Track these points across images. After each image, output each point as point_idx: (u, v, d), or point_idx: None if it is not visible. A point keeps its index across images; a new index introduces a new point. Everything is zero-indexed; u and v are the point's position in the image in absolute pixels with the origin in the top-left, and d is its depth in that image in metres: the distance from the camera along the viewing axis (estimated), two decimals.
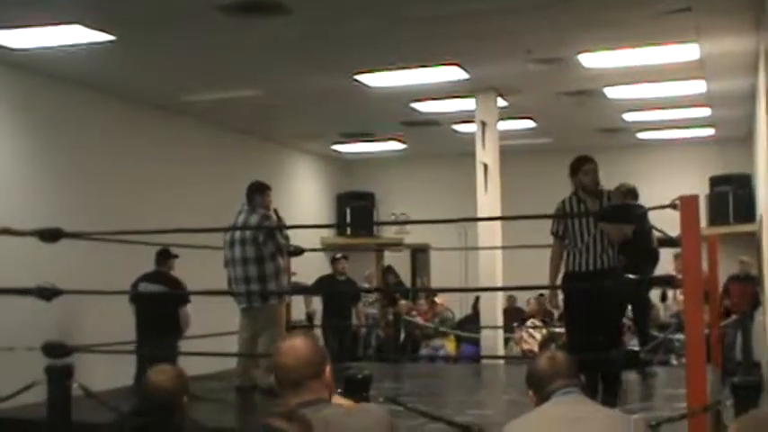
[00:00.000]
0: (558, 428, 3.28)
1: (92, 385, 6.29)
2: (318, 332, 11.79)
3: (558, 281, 7.26)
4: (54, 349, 6.63)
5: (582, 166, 7.13)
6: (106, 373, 8.28)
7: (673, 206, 5.32)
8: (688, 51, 9.63)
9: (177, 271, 9.76)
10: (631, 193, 8.84)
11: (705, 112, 13.01)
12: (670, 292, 12.66)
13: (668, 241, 7.04)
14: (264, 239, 8.14)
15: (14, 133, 9.68)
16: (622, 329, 7.21)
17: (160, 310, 9.47)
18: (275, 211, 8.56)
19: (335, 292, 11.86)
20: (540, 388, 3.54)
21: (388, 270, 16.85)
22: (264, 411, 2.64)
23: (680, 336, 10.80)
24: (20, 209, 9.17)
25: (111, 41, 8.66)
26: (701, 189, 13.57)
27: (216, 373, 9.27)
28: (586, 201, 7.05)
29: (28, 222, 7.52)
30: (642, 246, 8.36)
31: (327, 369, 3.16)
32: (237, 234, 8.22)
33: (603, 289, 6.71)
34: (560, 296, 7.80)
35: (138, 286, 9.40)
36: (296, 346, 3.14)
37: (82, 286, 7.79)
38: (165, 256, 9.72)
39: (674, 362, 11.56)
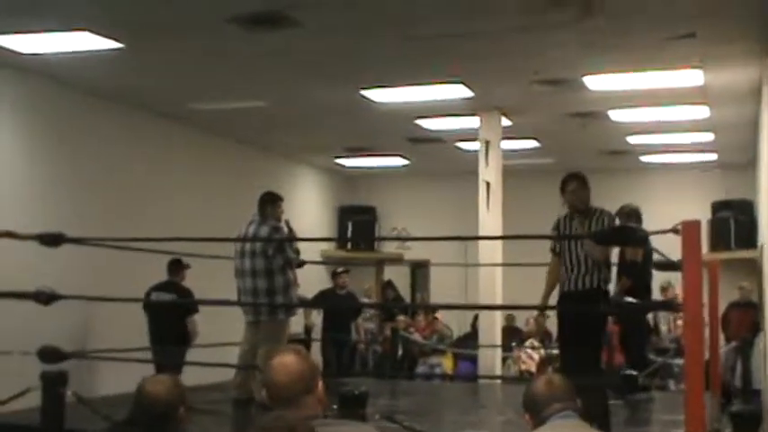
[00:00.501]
0: None
1: (105, 389, 6.28)
2: (316, 346, 11.78)
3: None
4: (49, 355, 6.61)
5: (566, 186, 7.02)
6: (120, 378, 8.30)
7: (674, 231, 5.32)
8: (692, 77, 9.66)
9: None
10: (634, 214, 8.81)
11: (708, 137, 13.03)
12: (663, 326, 12.65)
13: (669, 265, 7.01)
14: (274, 252, 8.06)
15: (20, 137, 9.70)
16: (599, 352, 6.99)
17: (169, 320, 9.55)
18: (287, 222, 8.48)
19: (336, 306, 11.84)
20: (536, 411, 3.53)
21: (388, 285, 16.83)
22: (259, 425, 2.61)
23: (679, 361, 10.78)
24: (23, 213, 9.17)
25: (119, 49, 8.69)
26: (703, 214, 13.56)
27: (217, 384, 9.25)
28: (574, 219, 6.99)
29: (31, 227, 7.51)
30: (647, 269, 8.36)
31: (319, 384, 3.17)
32: (247, 245, 8.14)
33: (583, 311, 6.67)
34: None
35: (150, 296, 9.46)
36: (287, 362, 3.15)
37: (89, 292, 7.85)
38: (176, 265, 9.79)
39: (673, 387, 11.52)
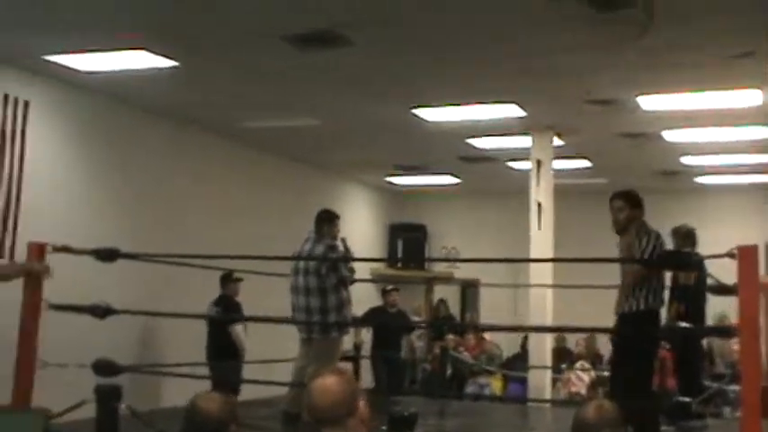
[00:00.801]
0: None
1: (160, 402, 6.30)
2: (366, 363, 11.77)
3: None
4: (104, 368, 6.70)
5: (610, 206, 6.96)
6: (175, 392, 8.43)
7: (730, 255, 5.24)
8: (751, 97, 9.52)
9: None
10: (690, 236, 8.69)
11: (766, 158, 12.82)
12: (717, 357, 12.48)
13: (724, 289, 6.89)
14: (327, 271, 8.07)
15: (77, 153, 9.87)
16: (648, 377, 6.81)
17: (215, 333, 9.72)
18: (343, 240, 8.49)
19: (387, 324, 11.83)
20: None
21: (441, 303, 16.80)
22: None
23: (735, 387, 10.60)
24: (78, 228, 9.29)
25: (174, 67, 8.79)
26: (761, 236, 13.34)
27: (268, 399, 9.30)
28: (619, 241, 6.89)
29: (85, 242, 7.62)
30: (701, 294, 8.24)
31: (361, 405, 3.17)
32: (302, 263, 8.16)
33: (624, 336, 6.57)
34: None
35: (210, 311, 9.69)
36: (327, 385, 3.16)
37: (142, 307, 7.99)
38: (227, 279, 9.91)
39: (729, 414, 11.33)
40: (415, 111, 10.56)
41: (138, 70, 8.91)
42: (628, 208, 6.83)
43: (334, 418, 3.11)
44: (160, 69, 8.86)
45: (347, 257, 8.46)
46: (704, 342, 10.96)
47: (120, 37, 8.00)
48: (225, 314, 9.84)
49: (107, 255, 7.36)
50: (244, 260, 9.10)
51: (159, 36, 8.04)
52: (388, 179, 15.88)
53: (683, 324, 7.05)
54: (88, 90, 9.71)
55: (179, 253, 8.46)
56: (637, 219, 6.80)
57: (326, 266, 8.07)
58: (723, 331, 6.45)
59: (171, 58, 8.58)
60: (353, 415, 3.14)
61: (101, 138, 10.11)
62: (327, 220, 8.40)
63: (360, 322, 11.64)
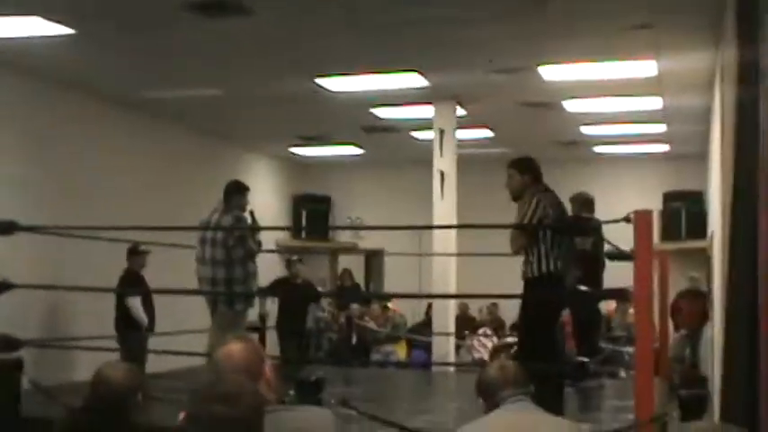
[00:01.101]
0: None
1: (66, 377, 6.19)
2: (272, 334, 11.75)
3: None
4: (3, 343, 6.57)
5: None
6: (81, 366, 8.32)
7: (627, 220, 5.39)
8: (646, 68, 9.75)
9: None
10: (587, 203, 8.86)
11: (661, 128, 13.18)
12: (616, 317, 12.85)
13: (620, 255, 7.08)
14: (234, 243, 8.01)
15: None
16: (549, 339, 6.92)
17: (118, 307, 9.62)
18: (251, 212, 8.40)
19: (293, 295, 11.82)
20: (489, 396, 3.57)
21: (346, 273, 16.84)
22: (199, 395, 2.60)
23: (630, 349, 10.91)
24: None
25: (70, 35, 8.59)
26: (655, 204, 13.72)
27: (176, 371, 9.23)
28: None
29: None
30: (598, 258, 8.43)
31: (267, 369, 3.18)
32: (209, 234, 8.06)
33: (524, 301, 6.66)
34: None
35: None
36: (232, 352, 3.15)
37: (48, 282, 7.86)
38: (132, 253, 9.78)
39: (624, 375, 11.66)
40: (318, 80, 10.53)
41: (32, 38, 8.67)
42: (518, 174, 6.72)
43: (251, 368, 3.09)
44: (56, 37, 8.64)
45: (254, 228, 8.39)
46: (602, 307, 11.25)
47: (13, 2, 7.78)
48: (124, 288, 9.72)
49: (5, 228, 7.18)
50: (148, 232, 9.01)
51: (55, 2, 7.84)
52: (292, 150, 15.82)
53: (582, 288, 7.21)
54: None
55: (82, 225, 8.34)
56: (530, 186, 6.70)
57: (233, 238, 7.99)
58: (620, 295, 6.62)
59: (67, 26, 8.38)
60: (259, 380, 3.15)
61: None
62: (236, 192, 8.30)
63: (265, 293, 11.61)
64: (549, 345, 6.73)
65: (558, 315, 6.76)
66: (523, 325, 6.70)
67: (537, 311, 6.61)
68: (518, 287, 7.00)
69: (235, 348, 3.16)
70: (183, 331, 9.19)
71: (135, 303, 9.66)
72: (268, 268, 12.90)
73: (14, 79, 9.99)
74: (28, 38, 8.69)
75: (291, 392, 4.61)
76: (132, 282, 9.80)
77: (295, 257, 12.19)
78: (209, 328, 8.34)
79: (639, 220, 5.13)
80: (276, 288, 12.00)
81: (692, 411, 4.85)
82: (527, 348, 6.52)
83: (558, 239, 6.60)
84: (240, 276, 8.05)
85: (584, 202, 8.76)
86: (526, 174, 6.69)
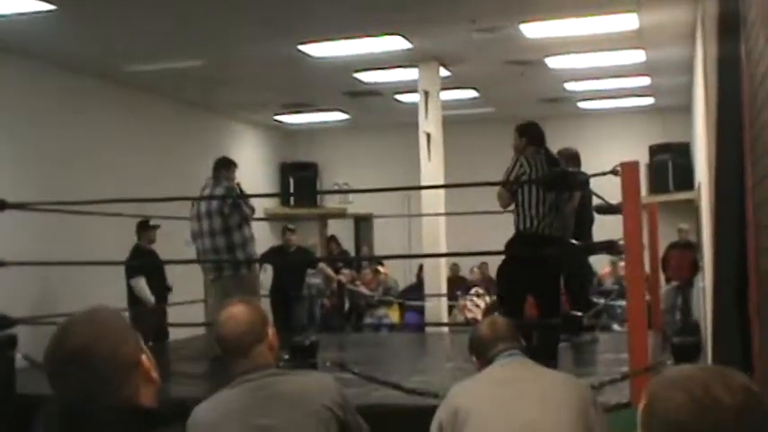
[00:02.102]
0: (502, 389, 3.35)
1: None
2: (266, 302, 11.79)
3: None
4: None
5: None
6: None
7: (614, 172, 5.42)
8: (627, 21, 9.75)
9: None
10: (574, 158, 8.89)
11: (644, 81, 13.19)
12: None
13: (609, 209, 7.11)
14: (230, 210, 8.24)
15: None
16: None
17: (127, 284, 9.70)
18: (238, 185, 8.66)
19: (291, 261, 11.88)
20: (482, 353, 3.61)
21: (332, 240, 16.87)
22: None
23: (622, 302, 10.99)
24: None
25: (51, 11, 8.53)
26: (642, 158, 13.75)
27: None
28: None
29: None
30: (586, 213, 8.46)
31: (270, 332, 3.20)
32: (203, 207, 8.29)
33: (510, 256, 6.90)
34: None
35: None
36: (235, 314, 3.17)
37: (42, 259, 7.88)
38: (141, 227, 9.80)
39: (617, 328, 11.76)
40: (300, 47, 10.49)
41: (11, 15, 8.61)
42: (518, 137, 7.07)
43: (244, 346, 3.12)
44: (37, 13, 8.58)
45: (243, 195, 8.61)
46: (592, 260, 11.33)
47: None
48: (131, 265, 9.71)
49: None
50: (138, 205, 9.04)
51: None
52: (277, 118, 15.78)
53: (572, 241, 7.25)
54: None
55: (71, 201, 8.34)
56: (526, 147, 6.96)
57: (228, 206, 8.22)
58: (610, 248, 6.67)
59: (47, 1, 8.31)
60: (263, 341, 3.17)
61: None
62: (224, 166, 8.57)
63: (269, 261, 11.74)
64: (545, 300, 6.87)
65: (540, 270, 6.81)
66: (498, 277, 7.03)
67: (509, 267, 6.91)
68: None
69: (237, 310, 3.18)
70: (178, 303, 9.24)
71: (138, 283, 9.63)
72: (258, 238, 12.96)
73: None
74: (7, 15, 8.63)
75: (286, 357, 4.64)
76: (140, 258, 9.75)
77: (290, 226, 12.23)
78: (209, 299, 8.50)
79: (626, 171, 5.16)
80: (271, 256, 12.06)
81: (686, 358, 4.89)
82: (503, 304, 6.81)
83: (543, 196, 6.69)
84: (239, 242, 8.29)
85: (570, 158, 8.78)
86: (523, 137, 7.05)
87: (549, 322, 6.55)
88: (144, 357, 1.95)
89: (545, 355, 6.09)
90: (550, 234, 6.75)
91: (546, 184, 6.71)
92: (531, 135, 7.06)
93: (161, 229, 10.11)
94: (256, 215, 9.87)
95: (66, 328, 1.95)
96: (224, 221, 8.23)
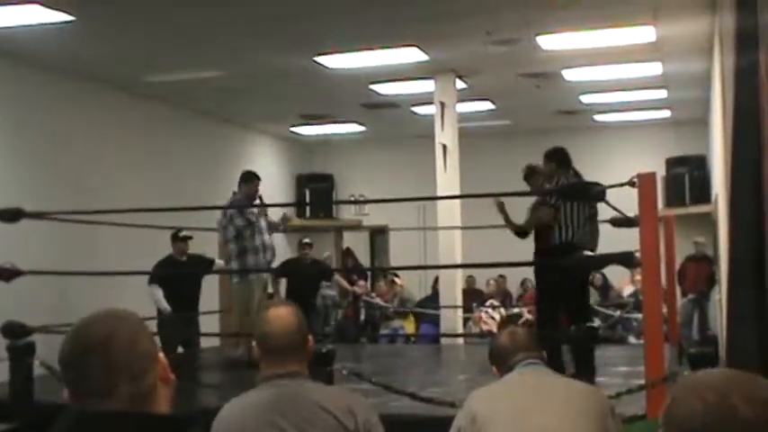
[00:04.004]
0: (520, 397, 3.35)
1: None
2: None
3: None
4: (13, 330, 6.62)
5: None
6: None
7: (631, 184, 5.42)
8: (644, 33, 9.74)
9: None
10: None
11: (661, 94, 13.16)
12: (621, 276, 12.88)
13: (625, 221, 7.11)
14: (226, 223, 8.61)
15: None
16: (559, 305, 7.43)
17: None
18: (260, 198, 8.88)
19: (302, 273, 11.87)
20: (502, 362, 3.62)
21: (347, 253, 16.88)
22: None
23: (638, 315, 10.95)
24: None
25: (70, 22, 8.59)
26: (658, 171, 13.68)
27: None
28: None
29: None
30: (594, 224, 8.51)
31: (310, 339, 3.17)
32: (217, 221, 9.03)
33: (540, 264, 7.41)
34: None
35: None
36: (282, 314, 3.12)
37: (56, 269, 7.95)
38: (173, 239, 9.79)
39: (633, 340, 11.72)
40: (317, 58, 10.53)
41: (31, 26, 8.68)
42: (547, 162, 7.57)
43: (288, 345, 3.08)
44: (55, 24, 8.64)
45: (259, 205, 8.80)
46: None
47: None
48: (153, 274, 9.68)
49: (11, 215, 7.23)
50: (154, 215, 9.08)
51: None
52: (294, 129, 15.82)
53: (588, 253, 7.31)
54: None
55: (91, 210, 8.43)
56: (557, 170, 7.46)
57: (225, 219, 8.64)
58: (625, 259, 6.65)
59: (66, 12, 8.38)
60: (304, 348, 3.14)
61: None
62: (243, 179, 8.90)
63: (276, 273, 11.75)
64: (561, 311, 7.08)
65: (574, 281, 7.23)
66: (543, 291, 7.41)
67: (553, 278, 7.20)
68: (522, 259, 7.50)
69: (284, 311, 3.14)
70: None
71: (154, 292, 9.61)
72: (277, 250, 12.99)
73: (13, 69, 9.96)
74: (26, 26, 8.69)
75: None
76: (161, 269, 9.71)
77: (306, 240, 12.25)
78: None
79: (643, 182, 5.16)
80: (286, 268, 12.07)
81: (703, 367, 4.88)
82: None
83: (582, 210, 7.21)
84: (233, 251, 8.66)
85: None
86: (552, 161, 7.54)
87: (570, 333, 6.58)
88: (160, 354, 1.95)
89: (584, 373, 6.19)
90: (582, 245, 7.18)
91: (568, 194, 7.01)
92: (559, 159, 7.50)
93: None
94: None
95: (84, 321, 1.95)
96: (224, 234, 8.74)
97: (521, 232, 7.88)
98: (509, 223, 7.85)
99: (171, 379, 1.94)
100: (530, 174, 7.92)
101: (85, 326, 1.93)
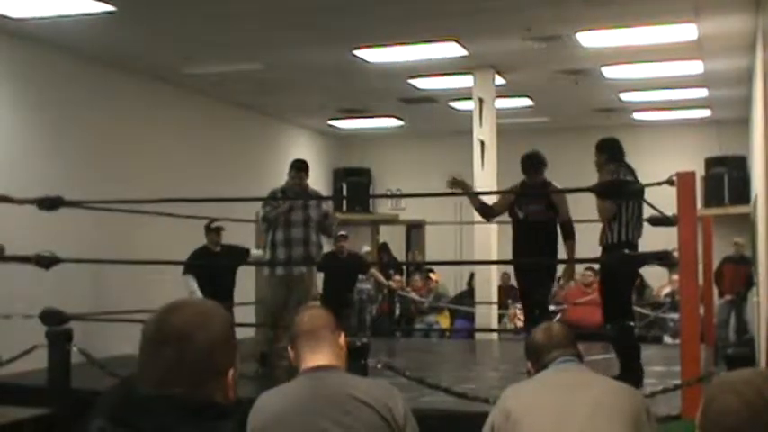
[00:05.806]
0: (555, 394, 3.34)
1: (114, 350, 6.39)
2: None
3: None
4: (51, 317, 6.70)
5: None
6: (128, 340, 8.47)
7: (670, 182, 5.38)
8: (686, 31, 9.65)
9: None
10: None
11: (702, 92, 13.03)
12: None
13: (663, 220, 7.06)
14: (262, 216, 8.56)
15: (12, 103, 9.66)
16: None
17: None
18: (299, 190, 8.69)
19: (339, 268, 11.85)
20: (537, 359, 3.60)
21: (383, 248, 16.89)
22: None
23: (674, 315, 10.88)
24: (20, 178, 9.15)
25: (111, 12, 8.66)
26: (697, 171, 13.54)
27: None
28: None
29: (30, 191, 7.57)
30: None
31: (342, 335, 3.29)
32: None
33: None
34: None
35: None
36: (313, 311, 3.34)
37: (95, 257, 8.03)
38: (206, 230, 9.83)
39: (669, 340, 11.64)
40: (356, 52, 10.54)
41: (72, 16, 8.76)
42: (596, 153, 7.30)
43: (317, 329, 3.22)
44: (96, 15, 8.72)
45: (294, 198, 8.62)
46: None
47: None
48: (187, 265, 9.72)
49: (50, 203, 7.32)
50: (189, 206, 9.12)
51: None
52: (332, 123, 15.85)
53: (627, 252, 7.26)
54: (21, 37, 9.50)
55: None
56: (607, 162, 7.13)
57: (263, 210, 8.59)
58: (664, 259, 6.62)
59: (107, 2, 8.45)
60: (336, 336, 3.27)
61: (36, 87, 9.88)
62: (290, 169, 8.70)
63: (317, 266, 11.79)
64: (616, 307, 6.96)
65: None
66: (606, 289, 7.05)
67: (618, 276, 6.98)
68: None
69: (315, 310, 3.38)
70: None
71: (189, 282, 9.65)
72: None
73: (54, 59, 10.06)
74: (67, 17, 8.78)
75: None
76: (195, 259, 9.75)
77: (342, 232, 12.25)
78: None
79: (682, 181, 5.12)
80: (323, 262, 12.08)
81: (740, 366, 4.85)
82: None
83: (638, 208, 6.93)
84: (267, 244, 8.58)
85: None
86: (603, 153, 7.26)
87: (604, 332, 6.56)
88: (232, 372, 1.95)
89: (631, 377, 6.04)
90: (635, 243, 6.97)
91: (611, 193, 6.83)
92: (611, 150, 7.24)
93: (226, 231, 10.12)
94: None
95: (175, 305, 1.95)
96: (260, 226, 8.82)
97: (485, 213, 7.73)
98: (472, 199, 7.72)
99: (232, 400, 1.95)
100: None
101: (174, 311, 1.94)
